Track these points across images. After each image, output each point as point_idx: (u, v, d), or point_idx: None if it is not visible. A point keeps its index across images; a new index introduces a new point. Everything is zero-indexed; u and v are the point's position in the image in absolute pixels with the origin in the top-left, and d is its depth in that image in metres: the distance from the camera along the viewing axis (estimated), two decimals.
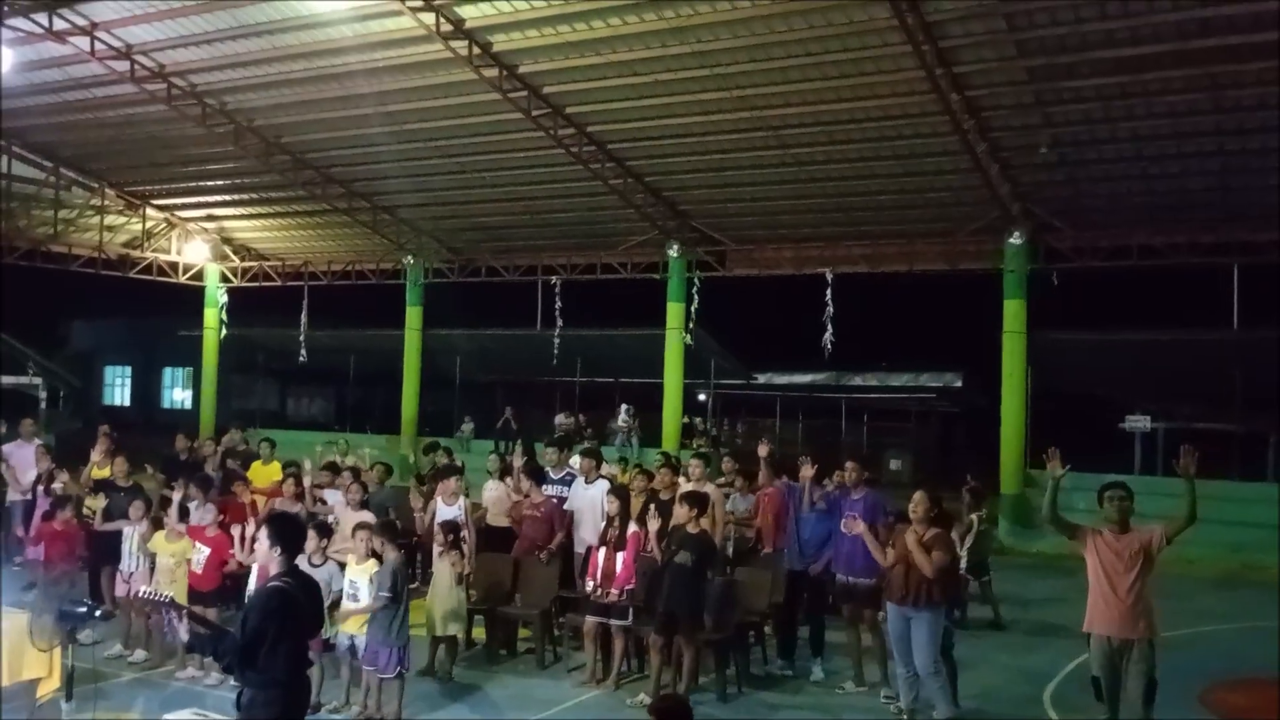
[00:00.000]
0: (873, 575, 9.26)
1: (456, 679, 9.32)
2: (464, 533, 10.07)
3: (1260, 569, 16.23)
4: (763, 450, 10.75)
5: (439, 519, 10.25)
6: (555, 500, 10.86)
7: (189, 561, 9.28)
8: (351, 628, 8.20)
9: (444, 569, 9.27)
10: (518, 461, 12.06)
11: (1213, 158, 16.89)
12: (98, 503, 10.66)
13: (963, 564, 12.04)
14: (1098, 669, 6.98)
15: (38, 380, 27.74)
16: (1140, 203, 18.51)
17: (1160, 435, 23.11)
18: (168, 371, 44.35)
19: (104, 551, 10.22)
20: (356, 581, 8.24)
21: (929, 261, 21.18)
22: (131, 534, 9.69)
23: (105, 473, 11.35)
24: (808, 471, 9.74)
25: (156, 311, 35.36)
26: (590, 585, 9.31)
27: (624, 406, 25.34)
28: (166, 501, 10.06)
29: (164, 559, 9.30)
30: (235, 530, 9.31)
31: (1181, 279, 21.06)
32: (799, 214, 21.14)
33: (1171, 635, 7.04)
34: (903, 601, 7.97)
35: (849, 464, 9.69)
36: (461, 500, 10.44)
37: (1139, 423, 22.39)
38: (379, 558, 8.26)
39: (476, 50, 16.60)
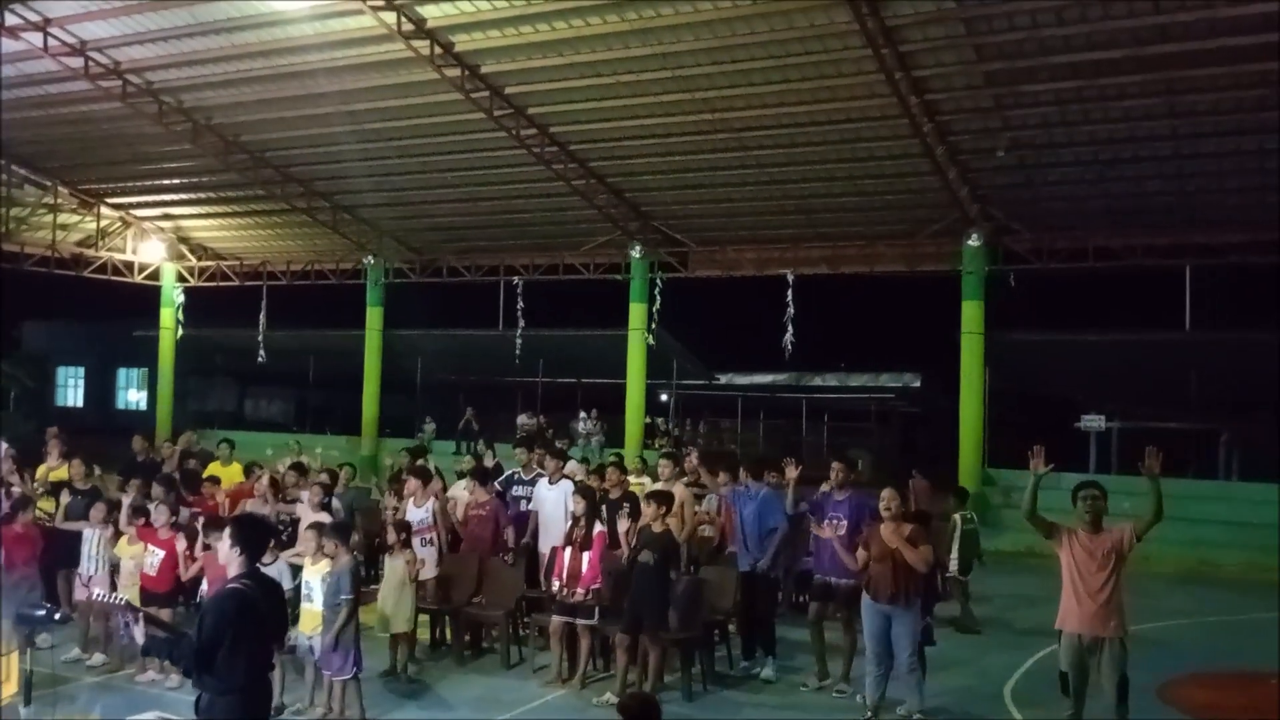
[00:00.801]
0: (855, 576, 9.35)
1: (422, 679, 9.27)
2: (431, 535, 10.04)
3: (1215, 565, 16.58)
4: (693, 457, 10.65)
5: (409, 519, 10.21)
6: (519, 499, 10.87)
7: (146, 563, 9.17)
8: (309, 628, 8.13)
9: (396, 567, 9.21)
10: (490, 462, 12.03)
11: (1168, 162, 17.17)
12: (51, 505, 10.48)
13: (953, 565, 12.16)
14: (1066, 665, 7.05)
15: None
16: (1097, 205, 18.79)
17: (1115, 434, 23.46)
18: (122, 372, 43.67)
19: (61, 554, 10.05)
20: (310, 582, 8.17)
21: (889, 263, 21.37)
22: (93, 536, 9.55)
23: (62, 474, 11.17)
24: (791, 473, 9.79)
25: (111, 312, 34.85)
26: (556, 585, 9.29)
27: (589, 412, 25.34)
28: (118, 504, 9.91)
29: (126, 562, 9.20)
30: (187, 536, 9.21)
31: (1136, 281, 21.45)
32: (760, 215, 21.25)
33: (1131, 631, 7.13)
34: (891, 600, 7.99)
35: (834, 465, 9.56)
36: (432, 501, 10.38)
37: (1094, 422, 22.71)
38: (332, 559, 8.20)
39: (438, 50, 16.53)
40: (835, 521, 9.21)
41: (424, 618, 9.95)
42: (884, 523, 8.15)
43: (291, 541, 9.55)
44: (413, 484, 10.63)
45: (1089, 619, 6.97)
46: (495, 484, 11.65)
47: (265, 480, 10.93)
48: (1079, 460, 22.07)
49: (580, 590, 9.14)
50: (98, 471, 11.85)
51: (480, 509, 10.57)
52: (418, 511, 10.30)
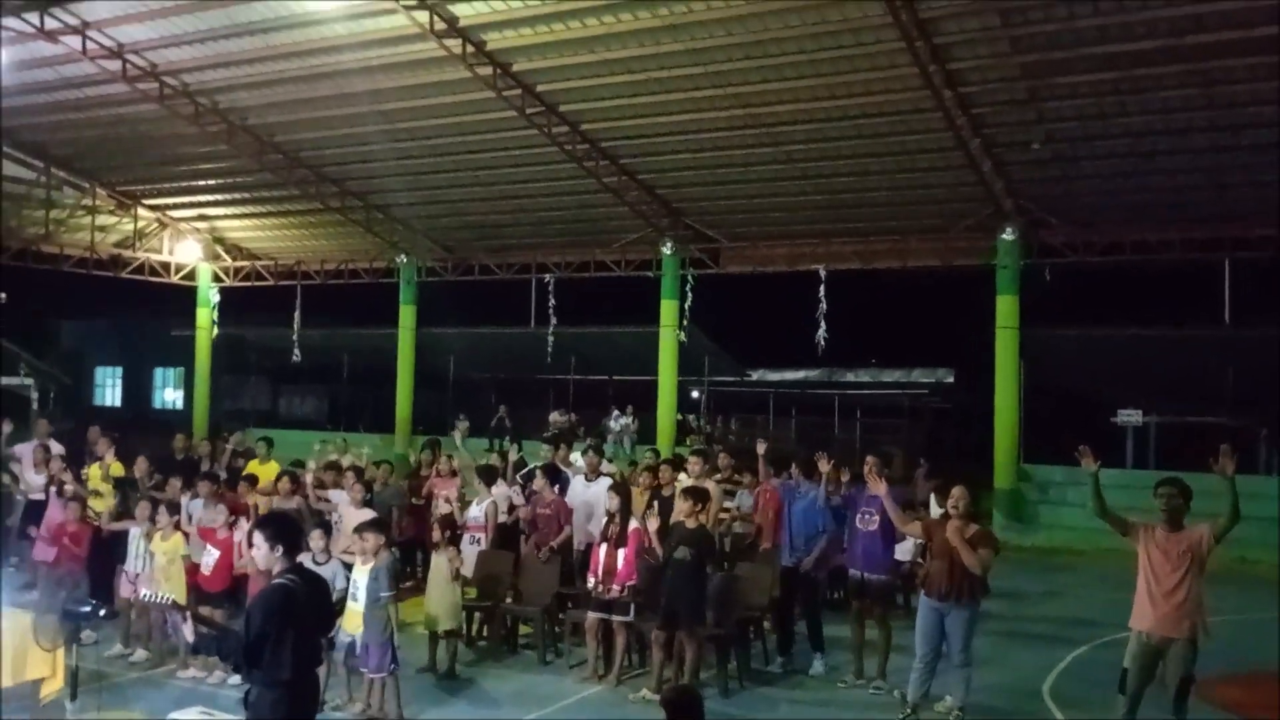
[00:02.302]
0: (887, 571, 9.40)
1: (459, 675, 9.33)
2: (480, 534, 10.16)
3: (1255, 563, 16.34)
4: (761, 448, 10.77)
5: (438, 514, 10.32)
6: (560, 499, 10.92)
7: (184, 559, 9.28)
8: (352, 627, 8.20)
9: (441, 565, 9.29)
10: (513, 457, 12.06)
11: (1205, 154, 16.95)
12: (102, 503, 10.63)
13: None
14: (1129, 661, 6.97)
15: (29, 381, 27.55)
16: (1133, 199, 18.59)
17: (1152, 430, 23.23)
18: (159, 372, 44.19)
19: (109, 551, 10.19)
20: (358, 581, 8.23)
21: (922, 258, 21.23)
22: (137, 534, 9.69)
23: (121, 470, 11.35)
24: (824, 467, 9.76)
25: (148, 312, 35.29)
26: (592, 582, 9.31)
27: (621, 409, 25.34)
28: (159, 501, 10.04)
29: (159, 558, 9.32)
30: (238, 532, 9.30)
31: (1174, 275, 21.18)
32: (792, 211, 21.18)
33: (1210, 627, 7.02)
34: (944, 597, 7.96)
35: (870, 459, 9.50)
36: (489, 501, 10.47)
37: (1131, 417, 22.50)
38: (374, 555, 8.26)
39: (470, 48, 16.59)
40: (868, 517, 9.21)
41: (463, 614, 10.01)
42: (950, 520, 8.08)
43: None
44: (450, 480, 10.72)
45: (1161, 619, 6.88)
46: (518, 478, 11.75)
47: (287, 480, 10.97)
48: (1117, 456, 21.88)
49: (616, 587, 9.17)
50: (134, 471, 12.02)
51: (548, 507, 10.61)
52: (475, 509, 10.41)
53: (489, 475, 10.93)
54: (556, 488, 10.88)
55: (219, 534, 9.33)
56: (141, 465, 11.09)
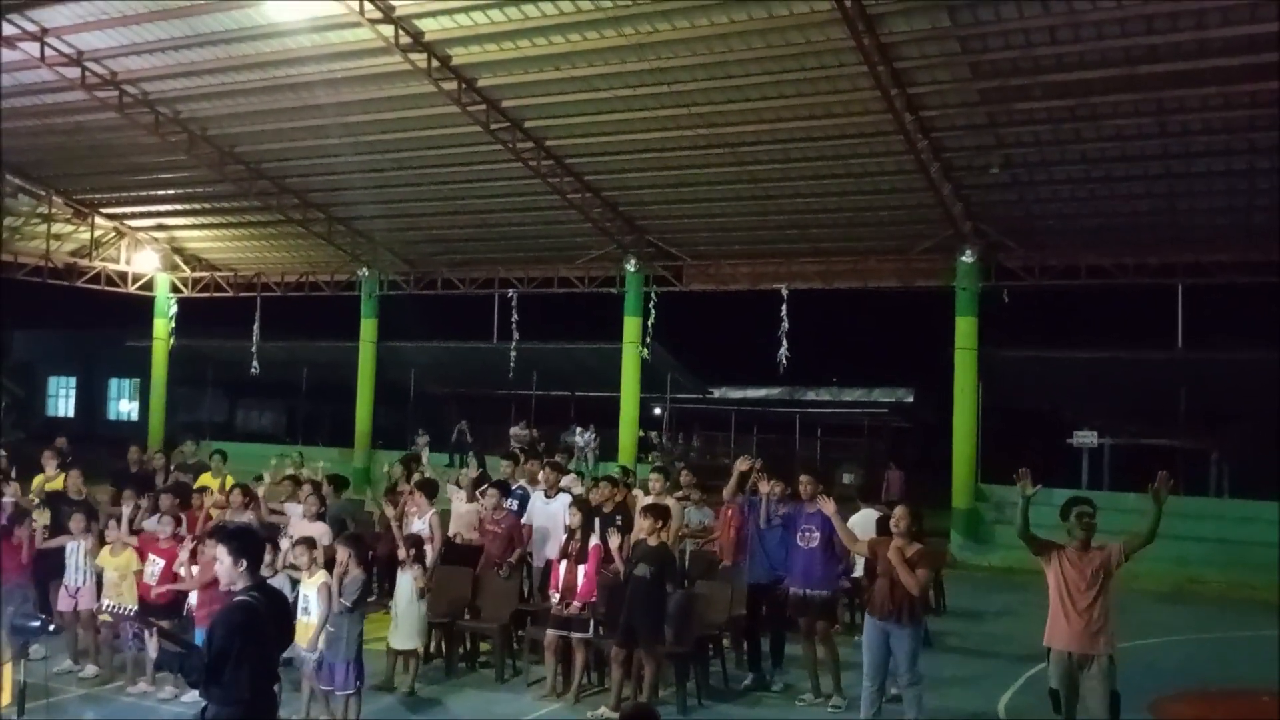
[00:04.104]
0: (828, 588, 9.44)
1: (416, 693, 9.25)
2: (427, 547, 10.05)
3: (1204, 583, 16.62)
4: (743, 465, 10.45)
5: (407, 532, 10.23)
6: (513, 515, 10.85)
7: (137, 574, 9.15)
8: (305, 642, 8.09)
9: (406, 582, 9.22)
10: (472, 474, 12.00)
11: (1159, 180, 17.28)
12: (45, 517, 10.45)
13: None
14: (1056, 682, 7.07)
15: None
16: (1089, 224, 18.90)
17: (1106, 451, 23.53)
18: (113, 383, 43.61)
19: (50, 566, 10.02)
20: (308, 595, 8.11)
21: (882, 278, 21.43)
22: (76, 548, 9.52)
23: (58, 485, 11.14)
24: (765, 486, 9.85)
25: (103, 322, 34.80)
26: (554, 598, 9.25)
27: (586, 427, 25.33)
28: (115, 515, 9.89)
29: (110, 573, 9.17)
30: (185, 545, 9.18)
31: (1128, 298, 21.55)
32: (755, 230, 21.33)
33: (1119, 648, 7.15)
34: (886, 616, 7.98)
35: (804, 478, 9.65)
36: (430, 515, 10.39)
37: (1086, 438, 22.78)
38: (329, 569, 8.18)
39: (435, 63, 16.58)
40: (807, 534, 9.29)
41: None
42: (892, 539, 8.09)
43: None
44: (418, 497, 10.64)
45: (1078, 636, 6.99)
46: (478, 494, 11.65)
47: (239, 492, 10.84)
48: (1072, 477, 22.15)
49: (575, 604, 9.14)
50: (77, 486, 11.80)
51: (495, 526, 10.54)
52: (418, 523, 10.33)
53: (430, 490, 10.85)
54: (512, 503, 10.83)
55: (162, 544, 9.19)
56: (74, 480, 10.87)
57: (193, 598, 8.80)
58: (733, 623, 9.98)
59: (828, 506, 8.72)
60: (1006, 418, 23.70)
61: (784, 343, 21.32)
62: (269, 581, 7.68)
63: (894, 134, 16.48)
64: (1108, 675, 6.94)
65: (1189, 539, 16.91)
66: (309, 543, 8.40)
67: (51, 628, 6.16)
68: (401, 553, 9.38)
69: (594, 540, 9.31)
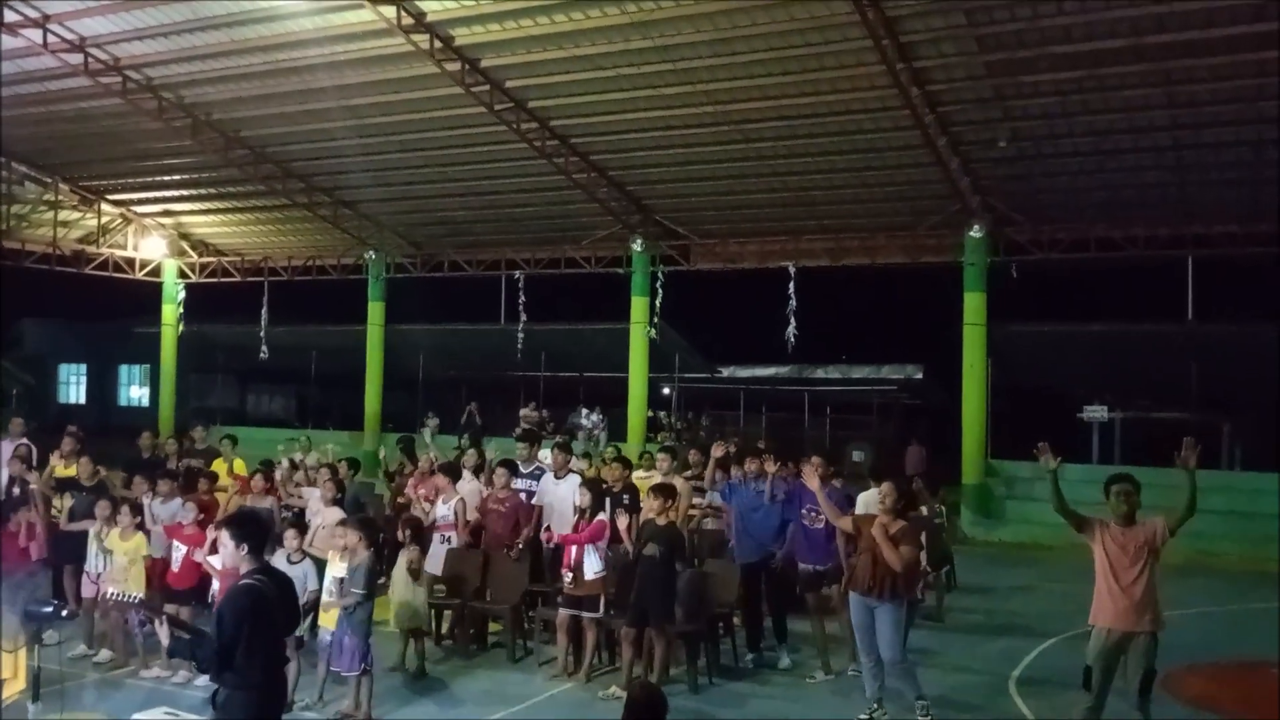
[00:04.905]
0: (834, 561, 9.45)
1: (428, 674, 9.30)
2: (451, 532, 10.13)
3: (1216, 555, 16.59)
4: (718, 451, 10.52)
5: (432, 516, 10.30)
6: (523, 494, 10.86)
7: (145, 559, 9.20)
8: (331, 624, 8.16)
9: (403, 564, 9.26)
10: (469, 458, 11.97)
11: (1168, 152, 17.15)
12: (64, 502, 10.50)
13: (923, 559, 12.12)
14: (1092, 659, 7.00)
15: None
16: (1098, 196, 18.78)
17: (1117, 425, 23.46)
18: (124, 369, 43.74)
19: (68, 551, 10.08)
20: (337, 577, 8.18)
21: (890, 255, 21.35)
22: (94, 533, 9.58)
23: (70, 472, 11.19)
24: (770, 467, 9.95)
25: (112, 308, 34.88)
26: (569, 578, 9.20)
27: (593, 408, 25.32)
28: (124, 500, 9.93)
29: (118, 557, 9.19)
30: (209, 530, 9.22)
31: (1138, 272, 21.40)
32: (762, 208, 21.25)
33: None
34: (868, 592, 7.96)
35: (813, 459, 9.64)
36: (456, 499, 10.43)
37: (1097, 413, 22.72)
38: (353, 553, 8.22)
39: (438, 44, 16.51)
40: (814, 513, 9.32)
41: (431, 612, 9.98)
42: (877, 516, 8.10)
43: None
44: (440, 479, 10.68)
45: (1121, 614, 6.92)
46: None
47: (260, 477, 10.95)
48: (1083, 451, 22.10)
49: (566, 573, 9.06)
50: (102, 471, 11.88)
51: (500, 504, 10.56)
52: (443, 508, 10.37)
53: (453, 473, 10.88)
54: (530, 484, 10.86)
55: (186, 530, 9.24)
56: (85, 466, 10.93)
57: (216, 585, 8.83)
58: (742, 601, 10.00)
59: (812, 482, 8.76)
60: (1016, 393, 23.58)
61: (792, 321, 21.25)
62: (296, 567, 7.81)
63: (900, 109, 16.38)
64: (1148, 652, 6.88)
65: (1201, 512, 16.46)
66: (360, 525, 8.44)
67: (64, 613, 6.16)
68: (400, 534, 9.41)
69: (601, 516, 9.28)
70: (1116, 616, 6.95)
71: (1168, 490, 7.38)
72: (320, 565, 8.52)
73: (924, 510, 12.42)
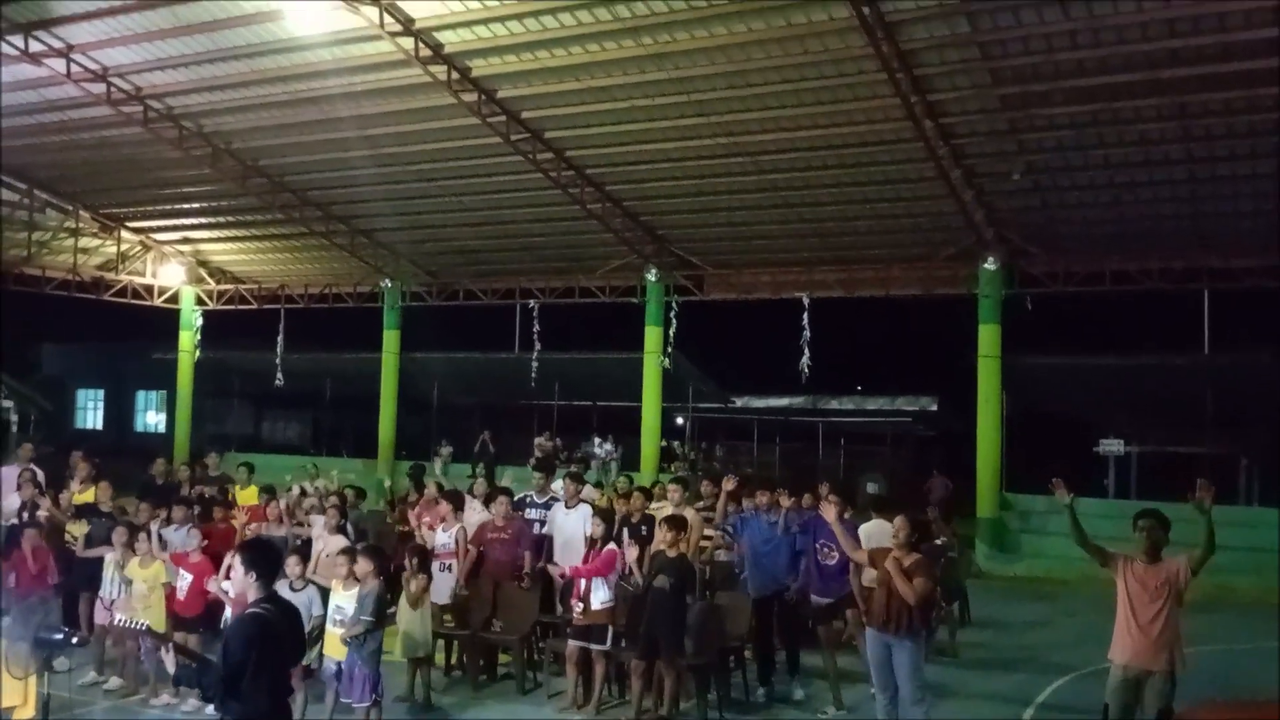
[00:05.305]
0: (844, 592, 9.39)
1: (436, 705, 9.26)
2: (451, 560, 10.09)
3: (1234, 590, 16.38)
4: (729, 485, 10.50)
5: (431, 543, 10.27)
6: (531, 522, 10.85)
7: (164, 586, 9.21)
8: (336, 653, 8.13)
9: (409, 592, 9.24)
10: (479, 487, 11.94)
11: (1183, 185, 17.13)
12: (79, 528, 10.53)
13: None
14: (1109, 695, 6.94)
15: (9, 404, 27.43)
16: (1112, 229, 18.75)
17: (1134, 459, 23.31)
18: (141, 395, 43.94)
19: (84, 577, 10.10)
20: (344, 606, 8.16)
21: (904, 286, 21.33)
22: (111, 560, 9.60)
23: (88, 497, 11.23)
24: (783, 500, 9.97)
25: (130, 334, 35.10)
26: (580, 608, 9.15)
27: (606, 437, 25.31)
28: (140, 527, 9.95)
29: (138, 585, 9.22)
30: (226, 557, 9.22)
31: (1153, 304, 21.33)
32: (776, 239, 21.28)
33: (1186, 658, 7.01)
34: (884, 628, 7.85)
35: (829, 494, 9.56)
36: (457, 527, 10.41)
37: (1113, 446, 22.58)
38: (359, 580, 8.21)
39: (455, 75, 16.66)
40: (828, 549, 9.28)
41: (440, 642, 9.95)
42: (891, 549, 7.99)
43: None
44: (443, 507, 10.66)
45: (1139, 651, 6.86)
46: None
47: (275, 505, 10.99)
48: (1099, 485, 21.95)
49: (576, 603, 9.02)
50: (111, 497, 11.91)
51: (500, 532, 10.54)
52: (443, 535, 10.33)
53: (456, 500, 10.87)
54: (541, 513, 10.84)
55: (191, 558, 9.26)
56: (104, 491, 10.97)
57: (228, 612, 8.83)
58: (753, 634, 9.94)
59: (829, 513, 8.68)
60: (1031, 426, 23.47)
61: (806, 351, 21.23)
62: (299, 594, 7.80)
63: (914, 141, 16.42)
64: (1163, 693, 6.80)
65: (1218, 546, 16.67)
66: (350, 553, 8.43)
67: (75, 640, 6.16)
68: (406, 562, 9.38)
69: (610, 546, 9.25)
70: (1135, 653, 6.88)
71: (1184, 525, 7.30)
72: (324, 592, 8.51)
73: (939, 540, 12.37)
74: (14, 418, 26.89)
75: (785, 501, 10.06)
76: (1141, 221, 18.45)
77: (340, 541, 9.50)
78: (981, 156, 17.01)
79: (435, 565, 10.17)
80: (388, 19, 15.31)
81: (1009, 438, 20.37)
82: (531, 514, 11.09)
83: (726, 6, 14.21)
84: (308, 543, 10.37)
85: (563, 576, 9.93)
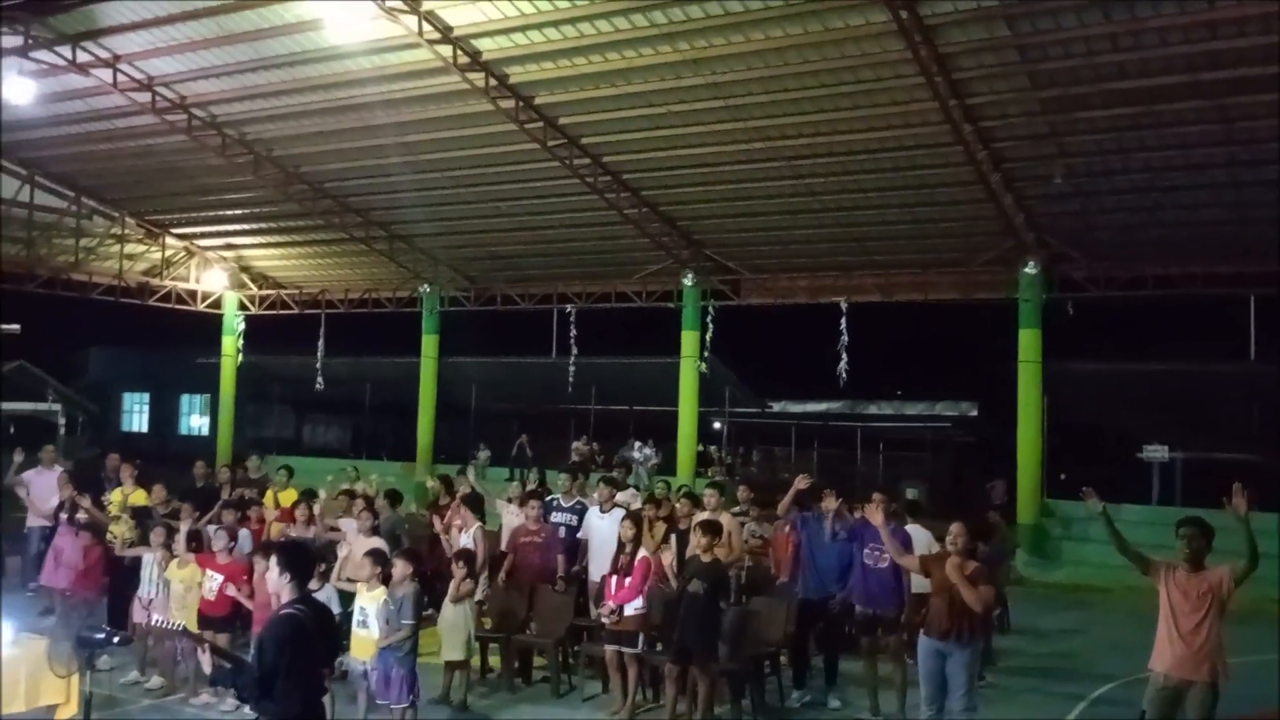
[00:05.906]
0: (895, 606, 9.28)
1: (472, 708, 9.31)
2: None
3: (1275, 601, 16.08)
4: (802, 483, 10.13)
5: (457, 546, 10.33)
6: (564, 528, 10.89)
7: (199, 587, 9.34)
8: (363, 655, 8.20)
9: (453, 593, 9.32)
10: (514, 490, 12.02)
11: (1226, 189, 16.89)
12: (121, 529, 10.71)
13: None
14: (1148, 704, 6.85)
15: (56, 407, 27.89)
16: (1155, 233, 18.51)
17: (1178, 466, 22.97)
18: (185, 399, 44.57)
19: (128, 578, 10.27)
20: (366, 609, 8.22)
21: (943, 291, 21.17)
22: (151, 561, 9.75)
23: (139, 499, 11.42)
24: (830, 503, 9.84)
25: (174, 339, 35.63)
26: (609, 608, 9.16)
27: (645, 441, 25.34)
28: (176, 529, 10.11)
29: (176, 585, 9.37)
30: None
31: (1197, 310, 21.03)
32: (813, 243, 21.21)
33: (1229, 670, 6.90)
34: (944, 636, 7.68)
35: (876, 496, 9.39)
36: (474, 528, 10.47)
37: (1157, 453, 22.25)
38: (387, 584, 8.27)
39: (493, 82, 16.78)
40: (877, 553, 9.18)
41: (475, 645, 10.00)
42: (949, 556, 7.85)
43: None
44: (463, 511, 10.73)
45: (1180, 661, 6.76)
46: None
47: (305, 508, 11.10)
48: (1142, 492, 21.65)
49: (611, 604, 9.06)
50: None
51: (533, 535, 10.59)
52: (463, 538, 10.42)
53: (474, 504, 10.93)
54: (571, 518, 10.87)
55: (219, 559, 9.38)
56: (158, 493, 11.17)
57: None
58: (788, 640, 9.90)
59: (876, 518, 8.58)
60: (1073, 432, 23.24)
61: (844, 356, 21.14)
62: (316, 594, 7.87)
63: (953, 145, 16.32)
64: (1204, 704, 6.69)
65: (1263, 556, 16.40)
66: (376, 555, 8.50)
67: (117, 639, 6.27)
68: (454, 566, 9.44)
69: (642, 553, 9.26)
70: (1175, 663, 6.78)
71: (1227, 534, 7.19)
72: (343, 594, 8.59)
73: (996, 544, 12.27)
74: (61, 421, 27.30)
75: (832, 504, 9.91)
76: (1184, 226, 18.21)
77: (371, 544, 9.57)
78: (1021, 160, 16.87)
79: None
80: (426, 27, 15.45)
81: (1050, 444, 20.14)
82: (558, 517, 11.16)
83: (763, 12, 14.20)
84: (327, 546, 10.45)
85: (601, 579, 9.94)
